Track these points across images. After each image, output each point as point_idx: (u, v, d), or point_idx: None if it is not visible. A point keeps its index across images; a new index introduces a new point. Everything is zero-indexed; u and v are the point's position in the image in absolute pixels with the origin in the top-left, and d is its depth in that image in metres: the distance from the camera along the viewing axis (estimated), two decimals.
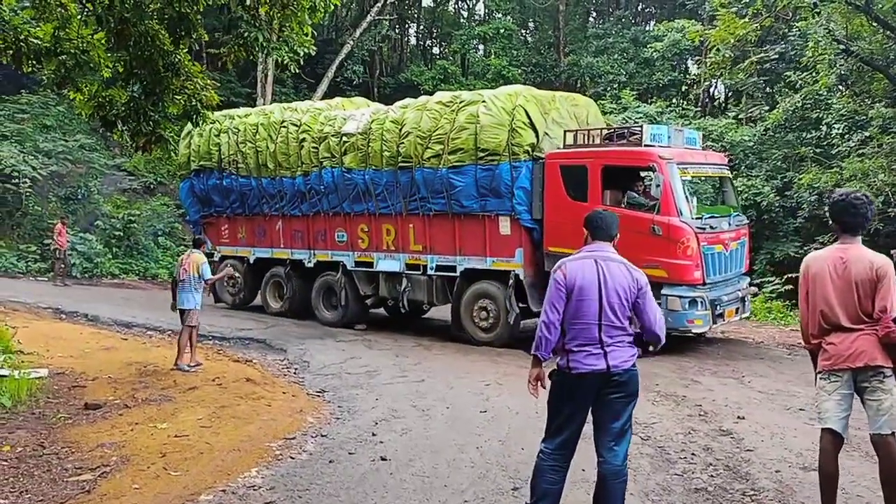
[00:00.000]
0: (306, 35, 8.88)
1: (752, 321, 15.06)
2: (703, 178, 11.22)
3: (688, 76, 27.84)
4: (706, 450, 6.13)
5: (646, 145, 10.31)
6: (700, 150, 11.64)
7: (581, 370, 4.15)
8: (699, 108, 23.70)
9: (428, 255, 12.23)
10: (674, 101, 24.02)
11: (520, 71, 29.99)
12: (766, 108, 18.77)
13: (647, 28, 32.66)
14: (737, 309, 10.84)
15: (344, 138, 12.78)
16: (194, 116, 9.29)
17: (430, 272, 12.19)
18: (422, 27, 39.68)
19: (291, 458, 5.89)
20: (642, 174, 10.47)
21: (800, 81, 17.93)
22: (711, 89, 26.41)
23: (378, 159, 12.33)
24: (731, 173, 18.90)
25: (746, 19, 15.87)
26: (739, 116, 20.26)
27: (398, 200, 12.32)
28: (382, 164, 12.29)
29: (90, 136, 23.66)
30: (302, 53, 8.75)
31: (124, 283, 19.45)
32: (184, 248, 21.67)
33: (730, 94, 24.37)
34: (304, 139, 13.39)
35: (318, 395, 8.29)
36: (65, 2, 8.56)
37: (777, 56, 18.58)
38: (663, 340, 4.36)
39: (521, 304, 11.34)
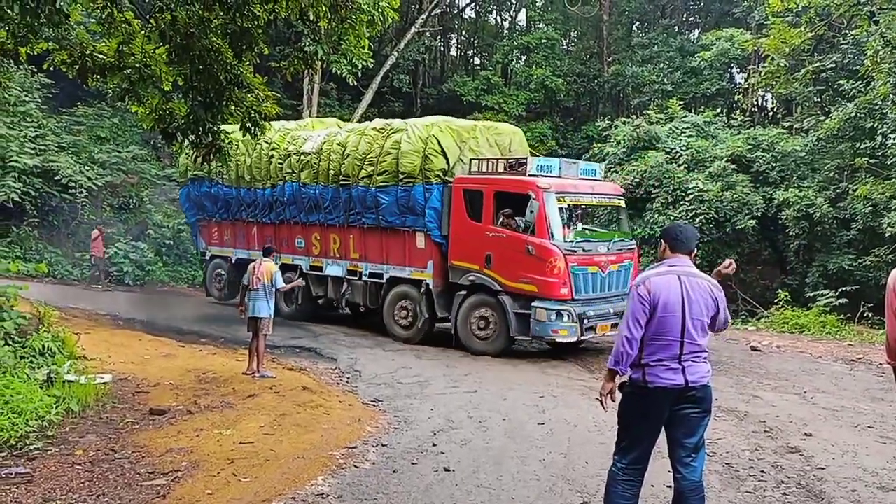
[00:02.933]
0: (363, 48, 9.00)
1: (808, 335, 14.75)
2: (585, 206, 12.85)
3: (736, 86, 27.44)
4: (776, 467, 6.02)
5: (531, 175, 11.52)
6: (599, 180, 12.75)
7: (659, 384, 4.10)
8: (748, 118, 23.30)
9: (363, 263, 13.75)
10: (724, 109, 23.67)
11: (563, 81, 29.90)
12: (822, 117, 18.32)
13: (692, 37, 32.30)
14: (615, 324, 11.37)
15: (302, 156, 14.35)
16: (252, 128, 9.42)
17: (364, 278, 13.68)
18: (463, 38, 39.84)
19: (355, 466, 5.93)
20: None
21: (852, 90, 17.55)
22: (761, 99, 25.97)
23: (325, 177, 13.92)
24: (786, 185, 18.72)
25: (801, 28, 15.57)
26: (794, 126, 19.81)
27: (341, 213, 13.85)
28: (329, 180, 13.87)
29: (142, 147, 24.24)
30: (360, 66, 8.86)
31: (174, 290, 19.81)
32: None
33: (777, 103, 23.88)
34: (272, 155, 14.92)
35: (374, 405, 8.32)
36: (129, 17, 8.78)
37: (833, 65, 18.16)
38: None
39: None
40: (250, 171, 15.35)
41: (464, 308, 12.02)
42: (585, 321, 11.15)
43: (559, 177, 11.82)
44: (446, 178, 12.34)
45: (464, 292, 12.07)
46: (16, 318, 8.37)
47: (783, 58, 16.88)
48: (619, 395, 4.28)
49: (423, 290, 12.58)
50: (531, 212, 11.07)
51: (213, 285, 17.28)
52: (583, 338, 11.46)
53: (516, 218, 11.53)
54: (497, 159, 12.27)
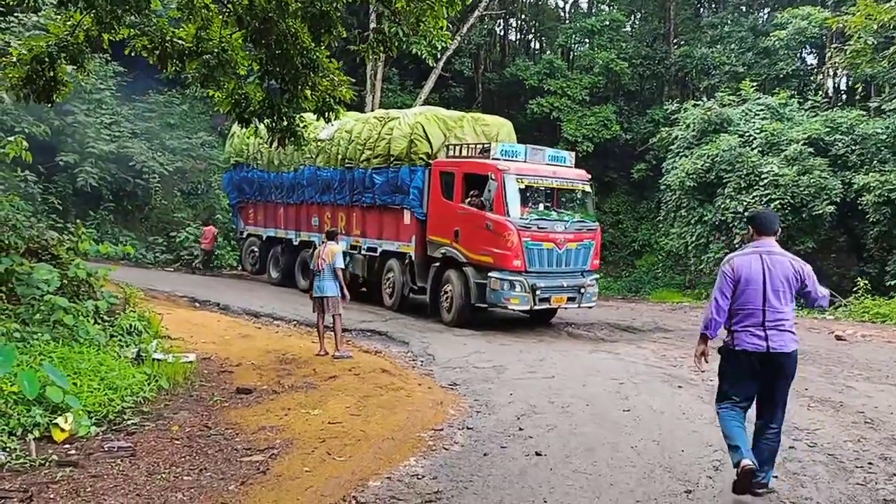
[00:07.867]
0: (442, 28, 8.91)
1: (891, 324, 14.16)
2: (546, 189, 13.43)
3: (810, 67, 26.39)
4: (884, 459, 5.76)
5: (493, 158, 12.51)
6: (567, 166, 13.49)
7: (744, 347, 4.79)
8: (826, 100, 22.35)
9: (363, 239, 15.09)
10: (795, 91, 22.73)
11: (627, 64, 29.21)
12: None
13: (764, 15, 31.11)
14: (571, 297, 12.75)
15: (319, 143, 15.63)
16: (327, 113, 9.41)
17: (363, 252, 14.90)
18: (523, 21, 39.33)
19: (445, 448, 5.90)
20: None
21: None
22: (839, 79, 24.89)
23: (335, 160, 15.50)
24: (866, 169, 17.93)
25: (891, 3, 14.80)
26: (882, 107, 18.87)
27: (346, 194, 15.28)
28: (338, 164, 15.43)
29: (210, 133, 24.72)
30: (439, 47, 8.78)
31: (243, 274, 20.17)
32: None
33: (856, 84, 22.74)
34: None
35: (452, 388, 8.30)
36: (207, 2, 8.84)
37: None
38: (826, 306, 5.40)
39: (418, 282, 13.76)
40: (279, 157, 16.69)
41: (435, 278, 13.22)
42: (538, 292, 12.20)
43: (524, 161, 12.80)
44: (430, 161, 13.56)
45: (437, 264, 13.20)
46: (108, 298, 8.61)
47: (870, 35, 16.05)
48: (714, 357, 5.03)
49: (406, 261, 13.83)
50: (489, 191, 12.22)
51: (247, 260, 19.30)
52: (537, 307, 12.47)
53: (482, 198, 12.47)
54: (467, 145, 13.36)
